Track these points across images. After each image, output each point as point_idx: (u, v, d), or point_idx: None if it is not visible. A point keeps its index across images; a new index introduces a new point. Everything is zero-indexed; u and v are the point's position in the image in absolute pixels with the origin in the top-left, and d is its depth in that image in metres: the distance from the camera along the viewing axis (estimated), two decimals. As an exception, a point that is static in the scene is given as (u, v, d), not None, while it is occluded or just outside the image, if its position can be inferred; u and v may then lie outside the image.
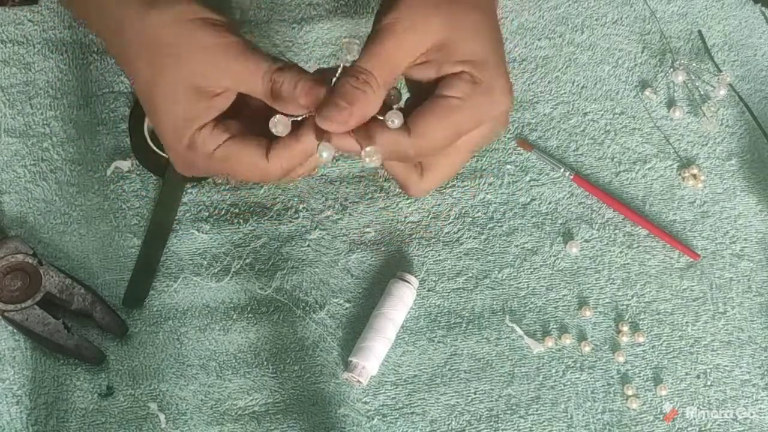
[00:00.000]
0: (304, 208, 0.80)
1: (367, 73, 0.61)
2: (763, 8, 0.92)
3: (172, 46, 0.64)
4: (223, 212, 0.80)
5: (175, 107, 0.65)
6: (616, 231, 0.82)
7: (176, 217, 0.79)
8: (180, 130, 0.65)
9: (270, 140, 0.64)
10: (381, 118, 0.63)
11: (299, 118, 0.63)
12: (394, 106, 0.64)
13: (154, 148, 0.79)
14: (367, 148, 0.62)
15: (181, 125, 0.65)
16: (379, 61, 0.62)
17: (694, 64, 0.88)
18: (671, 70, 0.87)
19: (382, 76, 0.62)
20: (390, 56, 0.63)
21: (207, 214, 0.79)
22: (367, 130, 0.63)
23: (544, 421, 0.75)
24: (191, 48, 0.64)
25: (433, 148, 0.64)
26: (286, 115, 0.64)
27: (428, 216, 0.81)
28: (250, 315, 0.77)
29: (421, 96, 0.66)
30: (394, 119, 0.62)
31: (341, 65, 0.63)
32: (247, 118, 0.67)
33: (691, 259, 0.81)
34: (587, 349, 0.78)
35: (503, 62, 0.66)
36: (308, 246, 0.79)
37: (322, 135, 0.63)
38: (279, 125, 0.62)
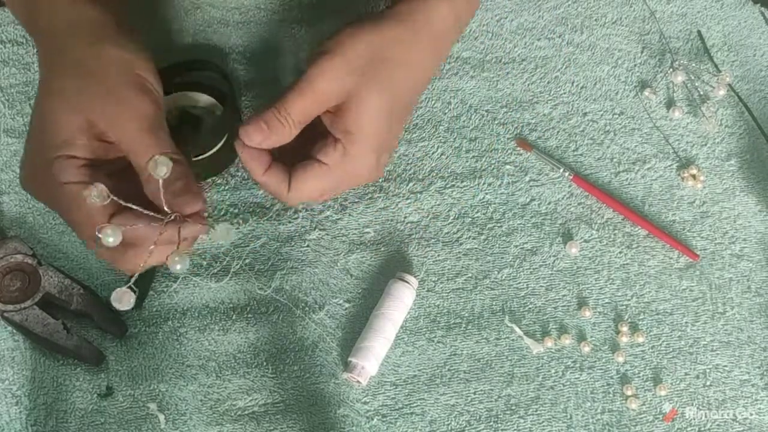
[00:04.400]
0: (303, 208, 0.80)
1: (287, 112, 0.69)
2: (762, 8, 0.92)
3: (102, 77, 0.66)
4: (222, 212, 0.80)
5: (62, 121, 0.65)
6: (616, 231, 0.82)
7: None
8: (49, 146, 0.65)
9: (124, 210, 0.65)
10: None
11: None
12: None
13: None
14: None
15: (52, 144, 0.65)
16: (297, 106, 0.69)
17: (693, 65, 0.88)
18: (671, 70, 0.87)
19: (297, 117, 0.70)
20: (305, 104, 0.70)
21: (206, 214, 0.79)
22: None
23: (543, 422, 0.75)
24: (118, 92, 0.66)
25: (305, 198, 0.73)
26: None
27: (428, 216, 0.81)
28: (249, 315, 0.77)
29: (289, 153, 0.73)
30: (176, 263, 0.63)
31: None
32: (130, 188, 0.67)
33: (691, 260, 0.81)
34: (587, 349, 0.78)
35: (378, 145, 0.72)
36: (307, 246, 0.79)
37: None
38: (110, 236, 0.61)
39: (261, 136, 0.69)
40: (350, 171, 0.72)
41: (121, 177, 0.66)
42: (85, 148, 0.65)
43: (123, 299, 0.63)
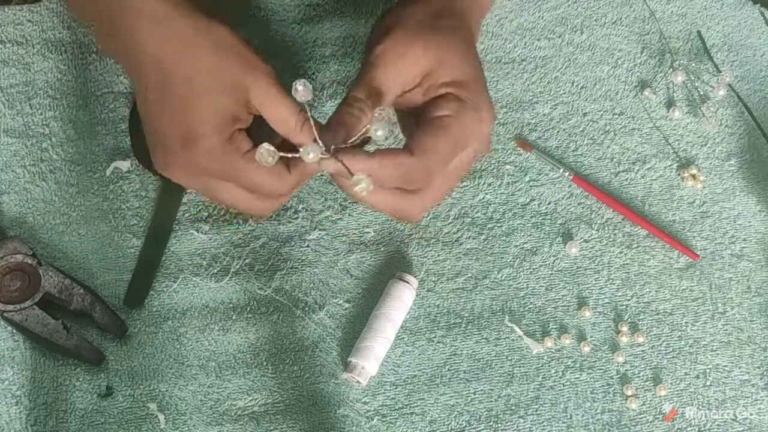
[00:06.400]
0: (303, 208, 0.80)
1: (361, 102, 0.66)
2: (762, 8, 0.92)
3: (230, 52, 0.67)
4: (222, 212, 0.80)
5: (223, 100, 0.67)
6: (616, 231, 0.82)
7: (176, 217, 0.79)
8: (224, 121, 0.67)
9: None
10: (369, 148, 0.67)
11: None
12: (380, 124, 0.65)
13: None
14: (357, 176, 0.64)
15: (229, 120, 0.67)
16: (372, 90, 0.66)
17: (693, 65, 0.88)
18: (670, 70, 0.87)
19: (375, 104, 0.66)
20: (382, 84, 0.67)
21: (206, 214, 0.79)
22: (367, 156, 0.65)
23: (543, 421, 0.75)
24: (257, 70, 0.67)
25: (436, 163, 0.67)
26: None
27: (428, 216, 0.81)
28: (249, 315, 0.77)
29: (410, 121, 0.70)
30: (377, 129, 0.64)
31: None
32: None
33: (691, 260, 0.81)
34: (587, 349, 0.78)
35: (484, 84, 0.70)
36: (307, 246, 0.79)
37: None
38: (267, 155, 0.65)
39: (338, 140, 0.65)
40: (473, 118, 0.68)
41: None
42: (246, 120, 0.68)
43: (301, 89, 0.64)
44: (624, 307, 0.80)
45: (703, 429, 0.76)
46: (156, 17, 0.67)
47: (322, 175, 0.81)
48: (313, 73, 0.85)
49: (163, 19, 0.67)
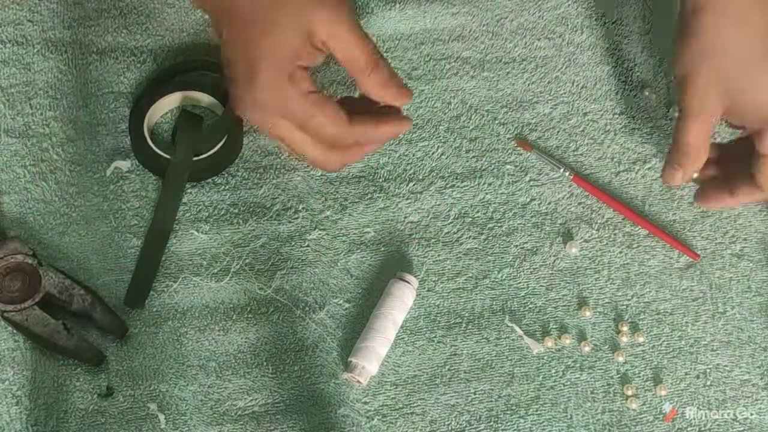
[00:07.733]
0: (303, 208, 0.80)
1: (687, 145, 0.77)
2: (762, 8, 0.92)
3: None
4: (222, 212, 0.80)
5: (288, 36, 0.68)
6: (616, 231, 0.82)
7: (175, 217, 0.79)
8: (286, 58, 0.68)
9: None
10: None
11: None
12: None
13: (154, 148, 0.80)
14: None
15: (288, 55, 0.68)
16: (690, 146, 0.77)
17: (693, 64, 0.88)
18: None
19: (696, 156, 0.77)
20: (697, 136, 0.77)
21: (206, 214, 0.79)
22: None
23: (543, 421, 0.75)
24: (322, 2, 0.68)
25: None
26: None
27: (428, 216, 0.81)
28: (249, 315, 0.77)
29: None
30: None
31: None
32: None
33: (691, 259, 0.81)
34: (587, 349, 0.78)
35: None
36: (308, 246, 0.79)
37: None
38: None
39: (680, 177, 0.78)
40: None
41: None
42: (310, 55, 0.69)
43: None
44: (624, 307, 0.80)
45: (703, 429, 0.76)
46: None
47: (322, 175, 0.81)
48: (313, 74, 0.85)
49: None
